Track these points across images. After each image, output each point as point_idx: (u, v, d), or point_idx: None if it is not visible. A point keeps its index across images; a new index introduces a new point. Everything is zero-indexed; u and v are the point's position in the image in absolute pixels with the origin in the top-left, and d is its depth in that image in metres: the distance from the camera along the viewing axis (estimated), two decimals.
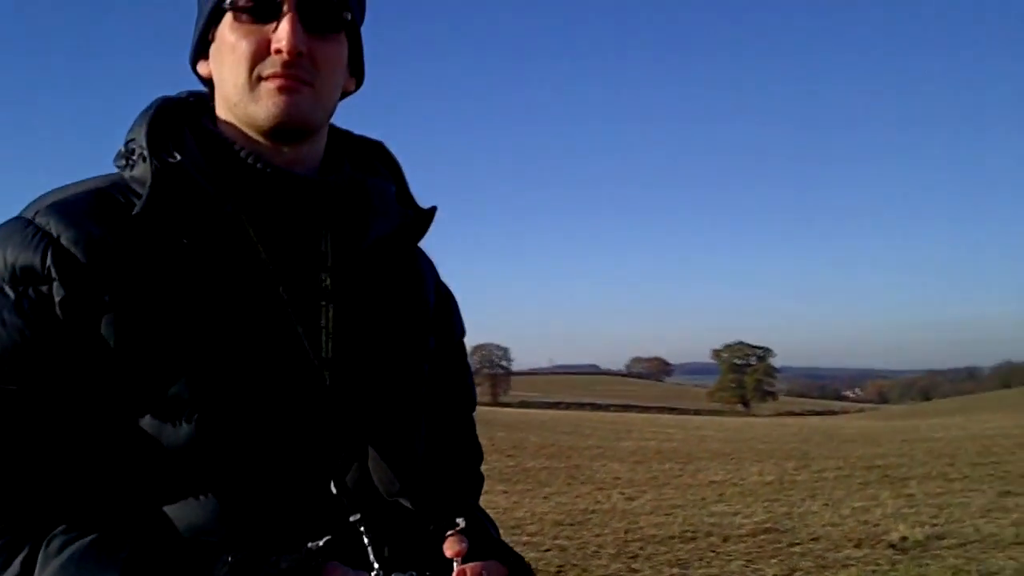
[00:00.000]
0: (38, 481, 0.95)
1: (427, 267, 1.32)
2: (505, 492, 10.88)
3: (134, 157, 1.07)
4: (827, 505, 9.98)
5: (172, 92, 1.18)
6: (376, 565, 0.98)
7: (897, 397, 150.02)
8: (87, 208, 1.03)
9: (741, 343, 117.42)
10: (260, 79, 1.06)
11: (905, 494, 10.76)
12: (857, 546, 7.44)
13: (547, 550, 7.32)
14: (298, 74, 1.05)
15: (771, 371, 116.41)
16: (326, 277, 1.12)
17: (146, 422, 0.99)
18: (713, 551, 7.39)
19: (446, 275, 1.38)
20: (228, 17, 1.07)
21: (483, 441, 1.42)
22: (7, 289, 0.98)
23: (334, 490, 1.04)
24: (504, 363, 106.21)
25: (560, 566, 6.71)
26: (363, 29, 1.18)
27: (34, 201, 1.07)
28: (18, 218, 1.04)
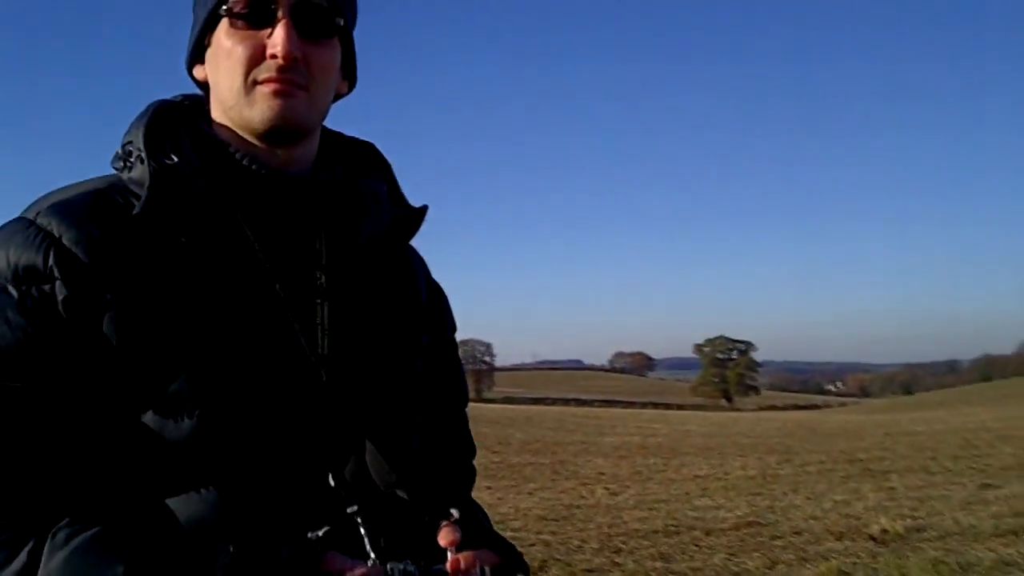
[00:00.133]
0: (42, 476, 0.97)
1: (419, 265, 1.35)
2: (489, 488, 10.90)
3: (132, 159, 1.09)
4: (809, 499, 10.07)
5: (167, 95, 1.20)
6: (373, 554, 1.01)
7: (879, 391, 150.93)
8: (87, 209, 1.05)
9: (723, 337, 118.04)
10: (255, 83, 1.08)
11: (886, 487, 10.86)
12: (838, 539, 7.51)
13: (531, 545, 7.34)
14: (293, 78, 1.08)
15: (753, 365, 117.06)
16: (321, 275, 1.15)
17: (148, 418, 1.01)
18: (696, 545, 7.44)
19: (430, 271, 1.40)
20: (224, 23, 1.10)
21: None
22: (10, 288, 1.00)
23: (332, 482, 1.06)
24: (487, 359, 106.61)
25: (544, 561, 6.74)
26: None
27: (35, 202, 1.09)
28: (20, 219, 1.06)
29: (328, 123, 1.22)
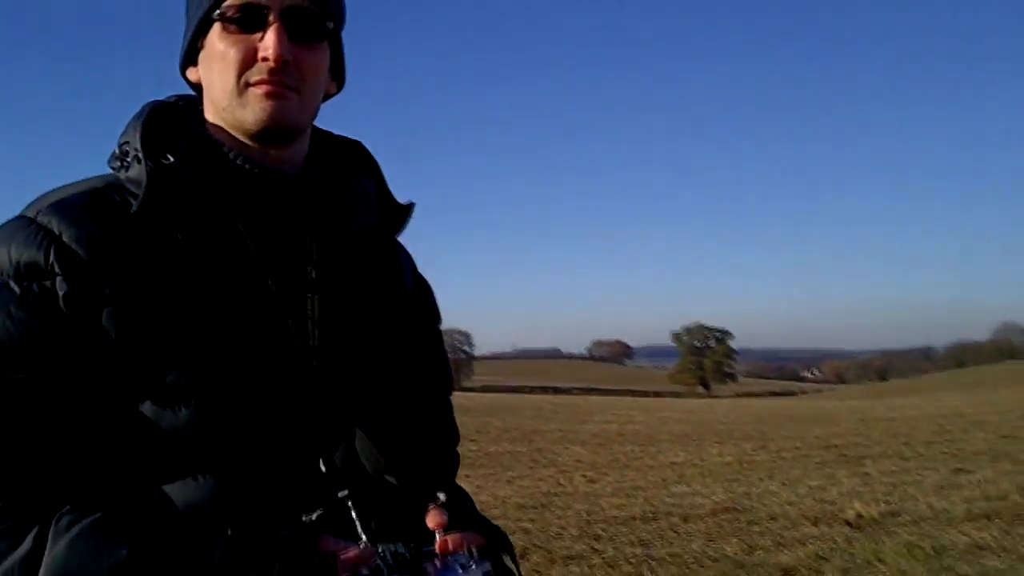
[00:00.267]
0: (45, 464, 1.00)
1: (406, 259, 1.39)
2: (468, 476, 10.91)
3: (128, 159, 1.12)
4: (785, 484, 10.17)
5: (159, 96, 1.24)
6: (364, 536, 1.05)
7: (854, 377, 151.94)
8: (86, 207, 1.08)
9: (700, 326, 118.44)
10: (248, 85, 1.12)
11: (861, 473, 10.98)
12: (814, 524, 7.59)
13: (511, 533, 7.32)
14: (284, 80, 1.12)
15: (730, 353, 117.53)
16: (311, 270, 1.19)
17: (146, 408, 1.05)
18: (674, 531, 7.52)
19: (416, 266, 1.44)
20: (217, 27, 1.13)
21: None
22: (12, 284, 1.03)
23: (323, 468, 1.11)
24: (466, 348, 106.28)
25: (524, 548, 6.78)
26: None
27: (35, 201, 1.12)
28: (21, 217, 1.09)
29: (319, 122, 1.25)
